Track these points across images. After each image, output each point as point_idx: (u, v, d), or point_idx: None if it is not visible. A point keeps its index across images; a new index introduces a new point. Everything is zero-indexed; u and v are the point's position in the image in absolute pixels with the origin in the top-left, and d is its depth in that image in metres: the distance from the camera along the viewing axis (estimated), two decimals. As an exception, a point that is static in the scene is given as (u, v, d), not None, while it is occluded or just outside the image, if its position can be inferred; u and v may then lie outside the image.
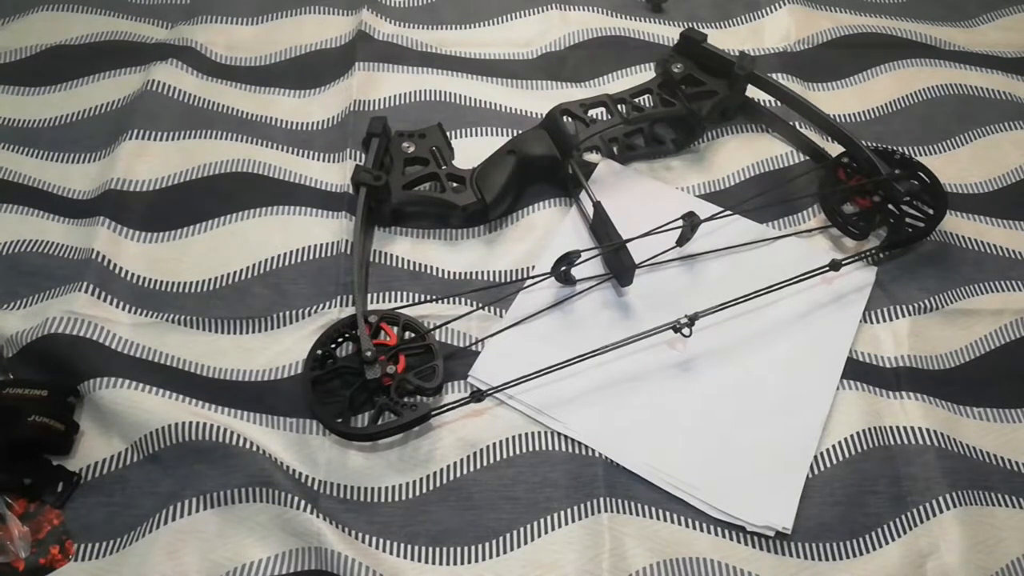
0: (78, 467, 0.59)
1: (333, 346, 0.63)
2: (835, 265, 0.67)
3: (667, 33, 0.89)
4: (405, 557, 0.56)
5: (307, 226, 0.73)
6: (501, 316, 0.67)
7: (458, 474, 0.60)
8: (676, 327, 0.62)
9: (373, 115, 0.74)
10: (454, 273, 0.70)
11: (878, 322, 0.68)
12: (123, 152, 0.76)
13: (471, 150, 0.74)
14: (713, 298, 0.64)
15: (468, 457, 0.60)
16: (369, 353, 0.59)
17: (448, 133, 0.75)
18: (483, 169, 0.72)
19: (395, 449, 0.61)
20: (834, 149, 0.76)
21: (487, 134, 0.79)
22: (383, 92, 0.82)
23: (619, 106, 0.75)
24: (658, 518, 0.58)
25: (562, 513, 0.58)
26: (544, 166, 0.73)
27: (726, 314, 0.64)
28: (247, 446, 0.59)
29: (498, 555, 0.57)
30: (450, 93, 0.82)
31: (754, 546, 0.57)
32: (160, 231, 0.72)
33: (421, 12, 0.91)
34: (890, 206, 0.72)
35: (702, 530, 0.58)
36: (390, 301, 0.68)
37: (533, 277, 0.68)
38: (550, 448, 0.61)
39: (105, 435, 0.61)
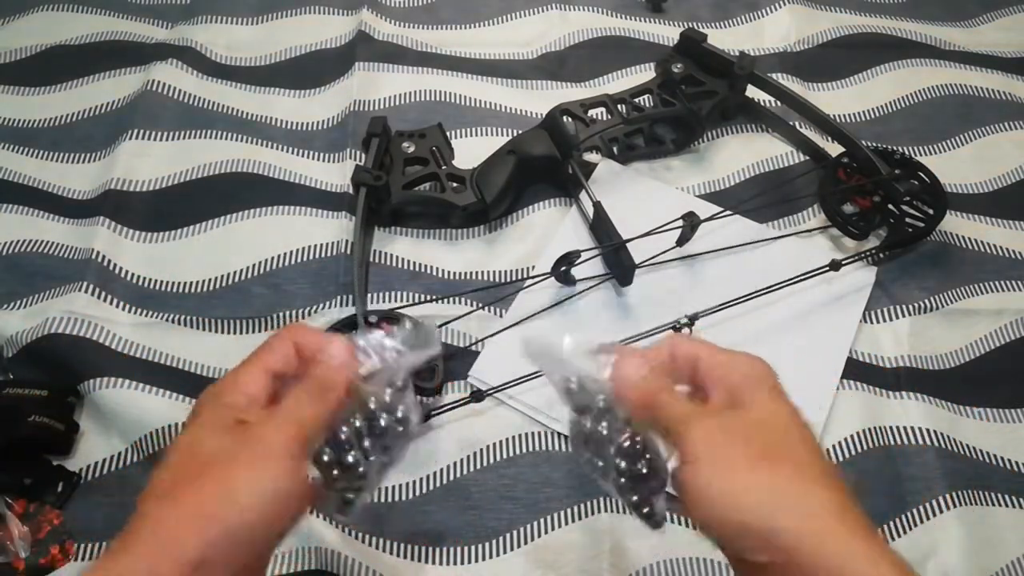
0: (78, 467, 0.59)
1: (333, 346, 0.63)
2: (835, 265, 0.67)
3: (667, 33, 0.89)
4: (405, 557, 0.56)
5: (307, 226, 0.72)
6: (501, 316, 0.67)
7: (458, 474, 0.60)
8: (676, 327, 0.62)
9: (373, 115, 0.73)
10: (454, 273, 0.70)
11: (878, 322, 0.68)
12: (123, 152, 0.76)
13: (471, 150, 0.74)
14: (713, 298, 0.64)
15: (468, 457, 0.60)
16: (369, 353, 0.59)
17: (448, 133, 0.75)
18: (483, 169, 0.72)
19: (395, 449, 0.61)
20: (834, 149, 0.76)
21: (487, 134, 0.79)
22: (383, 92, 0.82)
23: (619, 106, 0.75)
24: (658, 518, 0.58)
25: (562, 513, 0.58)
26: (544, 166, 0.73)
27: (726, 314, 0.64)
28: (247, 446, 0.59)
29: (498, 555, 0.57)
30: (450, 93, 0.82)
31: (754, 546, 0.57)
32: (160, 231, 0.72)
33: (421, 12, 0.91)
34: (890, 206, 0.72)
35: (702, 530, 0.58)
36: (390, 301, 0.68)
37: (533, 277, 0.68)
38: (550, 448, 0.61)
39: (105, 435, 0.60)
